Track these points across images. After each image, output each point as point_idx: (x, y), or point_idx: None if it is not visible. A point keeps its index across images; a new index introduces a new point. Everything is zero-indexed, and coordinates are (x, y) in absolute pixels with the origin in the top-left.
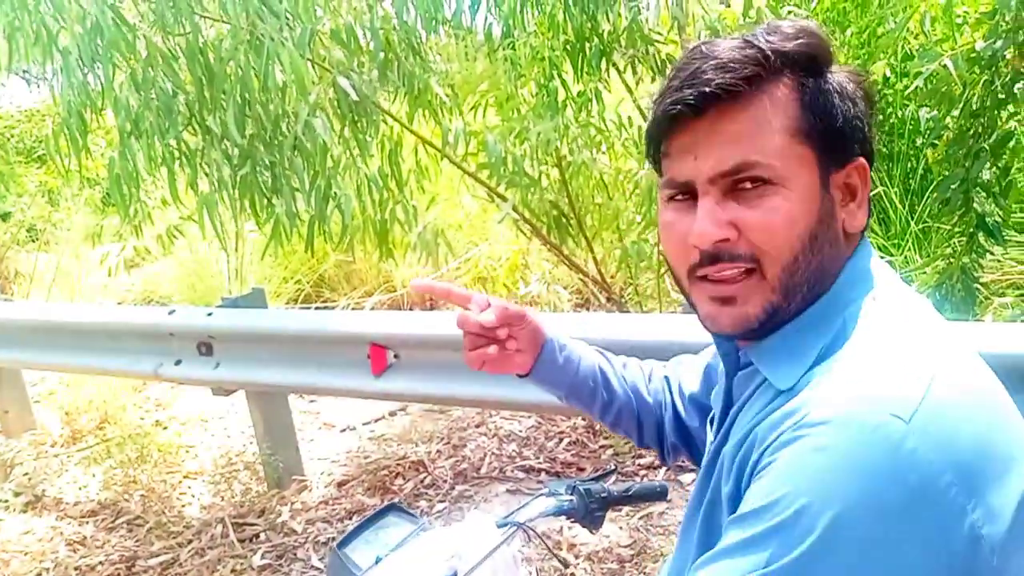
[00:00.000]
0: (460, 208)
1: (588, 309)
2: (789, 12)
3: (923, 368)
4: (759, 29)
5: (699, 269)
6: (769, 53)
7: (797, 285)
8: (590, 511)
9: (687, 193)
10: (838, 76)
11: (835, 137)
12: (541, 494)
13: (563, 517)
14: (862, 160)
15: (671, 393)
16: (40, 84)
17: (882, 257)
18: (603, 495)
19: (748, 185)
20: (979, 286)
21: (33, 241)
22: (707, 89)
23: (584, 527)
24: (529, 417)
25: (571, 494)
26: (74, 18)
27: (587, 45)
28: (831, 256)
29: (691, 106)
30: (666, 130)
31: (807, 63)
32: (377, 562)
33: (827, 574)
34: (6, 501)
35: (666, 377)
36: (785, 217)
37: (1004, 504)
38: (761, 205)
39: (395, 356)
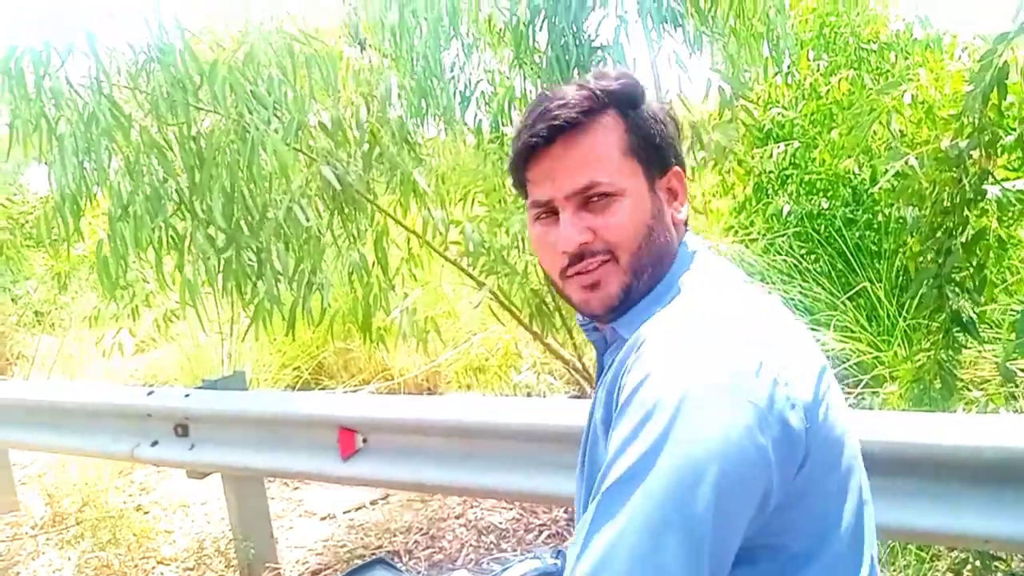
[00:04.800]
0: (450, 302)
1: (586, 397)
2: (778, 114)
3: (719, 307)
4: (589, 76)
5: (569, 269)
6: (598, 92)
7: (643, 266)
8: None
9: (549, 210)
10: (652, 107)
11: (654, 152)
12: (526, 557)
13: None
14: (677, 168)
15: None
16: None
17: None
18: None
19: (596, 199)
20: (961, 380)
21: (39, 324)
22: (555, 122)
23: None
24: (511, 509)
25: (556, 558)
26: (72, 107)
27: None
28: (666, 242)
29: (544, 137)
30: (527, 159)
31: (627, 98)
32: None
33: (687, 432)
34: None
35: None
36: (628, 218)
37: (806, 396)
38: (608, 212)
39: (363, 440)
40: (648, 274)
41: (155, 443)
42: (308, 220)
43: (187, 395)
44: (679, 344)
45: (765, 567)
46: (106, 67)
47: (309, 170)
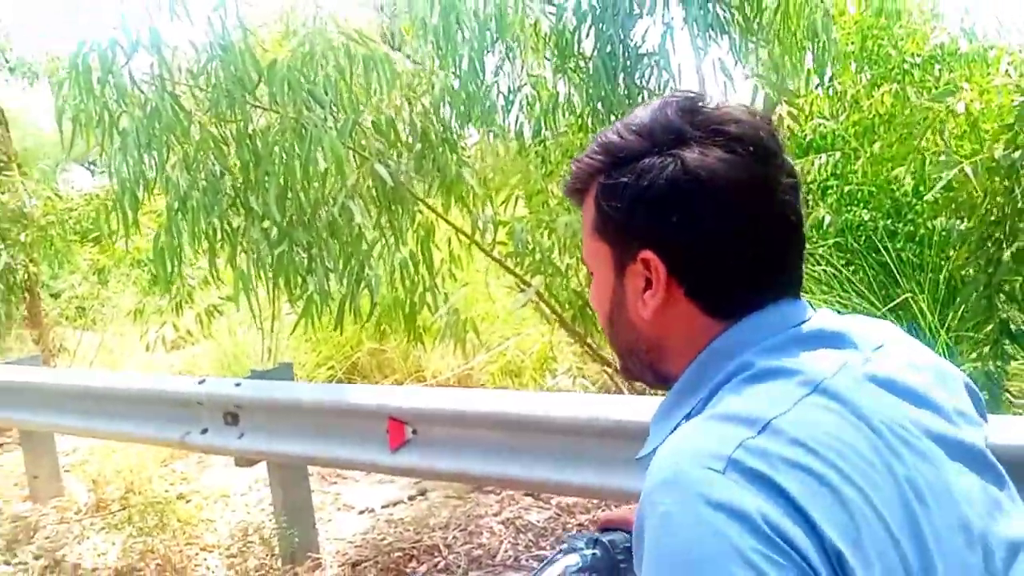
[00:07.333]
0: (494, 301)
1: None
2: (819, 125)
3: (758, 416)
4: (618, 124)
5: None
6: (586, 161)
7: (622, 355)
8: (617, 563)
9: None
10: (638, 167)
11: (619, 231)
12: (562, 551)
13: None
14: (647, 252)
15: None
16: (102, 173)
17: None
18: (627, 545)
19: None
20: (1008, 392)
21: (81, 319)
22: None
23: None
24: (548, 508)
25: (594, 547)
26: (135, 103)
27: None
28: (637, 339)
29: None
30: None
31: (605, 168)
32: None
33: None
34: (25, 564)
35: None
36: (593, 303)
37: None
38: None
39: (413, 431)
40: (640, 363)
41: (205, 431)
42: (360, 217)
43: (238, 384)
44: (676, 501)
45: None
46: (169, 64)
47: (360, 169)
